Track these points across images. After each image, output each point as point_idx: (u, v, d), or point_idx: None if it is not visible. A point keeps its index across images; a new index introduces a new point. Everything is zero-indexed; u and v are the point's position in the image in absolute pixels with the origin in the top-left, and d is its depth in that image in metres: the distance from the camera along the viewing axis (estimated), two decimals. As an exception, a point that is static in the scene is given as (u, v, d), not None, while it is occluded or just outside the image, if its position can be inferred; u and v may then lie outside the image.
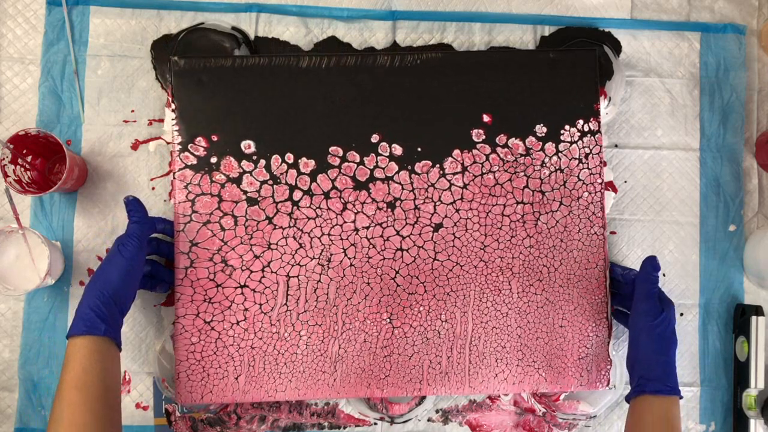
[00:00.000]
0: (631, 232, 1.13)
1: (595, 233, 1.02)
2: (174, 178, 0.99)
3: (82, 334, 0.85)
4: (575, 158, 1.02)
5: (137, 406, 1.07)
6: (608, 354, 1.01)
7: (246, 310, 0.98)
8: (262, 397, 0.98)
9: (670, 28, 1.16)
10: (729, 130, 1.15)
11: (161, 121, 1.10)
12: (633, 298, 0.95)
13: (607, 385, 1.01)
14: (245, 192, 0.99)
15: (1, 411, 1.07)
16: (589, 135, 1.03)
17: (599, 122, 1.03)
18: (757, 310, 1.09)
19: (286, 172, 1.00)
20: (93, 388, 0.82)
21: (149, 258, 0.99)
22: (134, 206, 0.93)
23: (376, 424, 1.08)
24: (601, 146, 1.03)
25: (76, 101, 1.10)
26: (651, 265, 0.94)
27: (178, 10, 1.12)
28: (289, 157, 1.00)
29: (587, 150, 1.02)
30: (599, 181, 1.03)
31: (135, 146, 1.10)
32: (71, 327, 0.86)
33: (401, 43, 1.13)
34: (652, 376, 0.89)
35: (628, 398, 0.92)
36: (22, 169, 1.03)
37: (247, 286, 0.98)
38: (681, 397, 0.89)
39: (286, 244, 0.99)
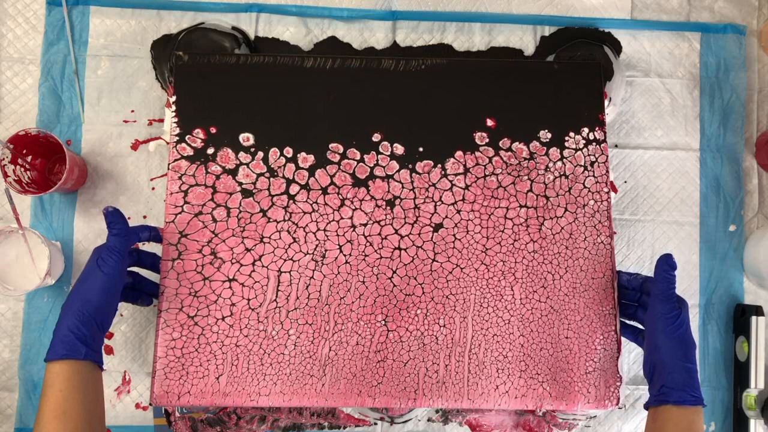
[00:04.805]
0: (631, 232, 1.08)
1: (602, 242, 0.93)
2: (168, 168, 0.91)
3: (62, 358, 0.75)
4: (580, 165, 0.94)
5: (137, 406, 1.02)
6: (617, 370, 0.91)
7: (233, 305, 0.88)
8: (243, 401, 0.87)
9: (670, 29, 1.11)
10: (729, 130, 1.09)
11: (161, 121, 1.05)
12: (649, 301, 0.86)
13: (617, 403, 0.92)
14: (240, 184, 0.91)
15: (1, 411, 1.01)
16: (594, 143, 0.95)
17: (605, 132, 0.95)
18: (757, 310, 1.03)
19: (284, 165, 0.92)
20: (74, 417, 0.74)
21: (130, 270, 0.90)
22: (114, 218, 0.82)
23: (376, 424, 1.02)
24: (607, 156, 0.95)
25: (76, 101, 1.05)
26: (667, 263, 0.83)
27: (178, 10, 1.07)
28: (288, 151, 0.92)
29: (593, 158, 0.94)
30: (605, 189, 0.94)
31: (135, 146, 1.05)
32: (50, 350, 0.76)
33: (401, 43, 1.09)
34: (675, 385, 0.79)
35: (647, 406, 0.82)
36: (22, 169, 0.98)
37: (236, 280, 0.88)
38: (704, 406, 0.80)
39: (280, 238, 0.90)
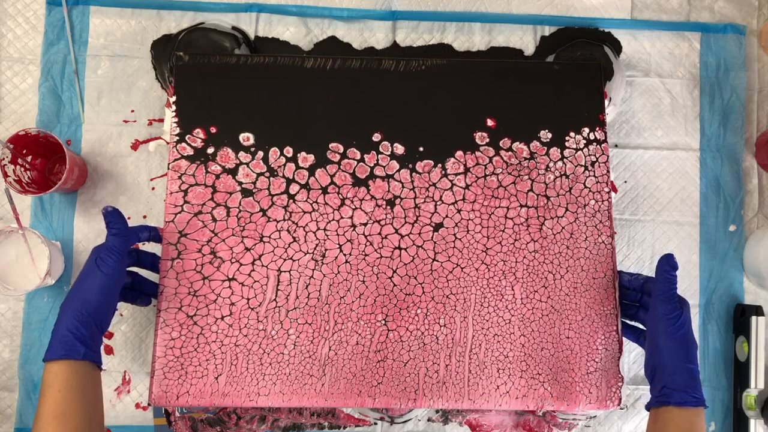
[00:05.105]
0: (631, 232, 1.07)
1: (603, 242, 0.92)
2: (168, 168, 0.91)
3: (61, 358, 0.74)
4: (581, 165, 0.93)
5: (137, 406, 1.01)
6: (618, 370, 0.90)
7: (232, 304, 0.87)
8: (243, 401, 0.86)
9: (670, 29, 1.10)
10: (729, 130, 1.09)
11: (161, 121, 1.04)
12: (650, 301, 0.85)
13: (619, 404, 0.91)
14: (240, 183, 0.90)
15: (1, 411, 1.00)
16: (594, 143, 0.94)
17: (605, 132, 0.95)
18: (757, 310, 1.03)
19: (284, 165, 0.91)
20: (74, 417, 0.73)
21: (130, 270, 0.89)
22: (113, 217, 0.81)
23: (376, 424, 1.01)
24: (607, 156, 0.94)
25: (76, 101, 1.04)
26: (669, 263, 0.82)
27: (178, 10, 1.07)
28: (288, 151, 0.92)
29: (593, 158, 0.94)
30: (606, 189, 0.93)
31: (135, 146, 1.04)
32: (48, 350, 0.75)
33: (401, 43, 1.08)
34: (676, 386, 0.78)
35: (648, 407, 0.82)
36: (22, 169, 0.98)
37: (235, 279, 0.88)
38: (706, 407, 0.79)
39: (279, 238, 0.89)
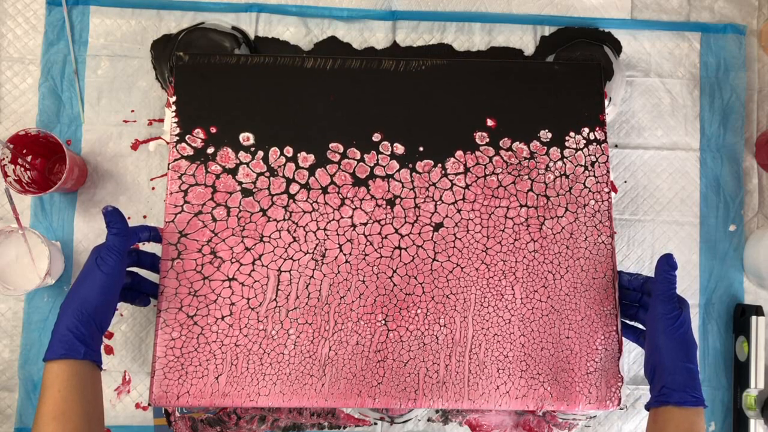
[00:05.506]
0: (631, 232, 1.07)
1: (603, 242, 0.92)
2: (168, 168, 0.91)
3: (61, 357, 0.74)
4: (581, 165, 0.93)
5: (137, 406, 1.01)
6: (618, 370, 0.90)
7: (233, 304, 0.87)
8: (243, 401, 0.86)
9: (670, 29, 1.10)
10: (729, 130, 1.08)
11: (161, 121, 1.04)
12: (649, 301, 0.85)
13: (618, 404, 0.91)
14: (240, 183, 0.90)
15: (1, 411, 1.00)
16: (594, 144, 0.94)
17: (605, 132, 0.95)
18: (757, 310, 1.03)
19: (284, 165, 0.91)
20: (73, 418, 0.72)
21: (129, 270, 0.89)
22: (114, 217, 0.81)
23: (376, 424, 1.01)
24: (607, 156, 0.94)
25: (76, 101, 1.04)
26: (668, 263, 0.82)
27: (178, 10, 1.06)
28: (288, 151, 0.92)
29: (593, 158, 0.94)
30: (606, 189, 0.93)
31: (135, 146, 1.04)
32: (48, 350, 0.75)
33: (401, 43, 1.08)
34: (675, 386, 0.78)
35: (648, 406, 0.81)
36: (22, 169, 0.98)
37: (236, 279, 0.88)
38: (706, 407, 0.79)
39: (280, 237, 0.89)
